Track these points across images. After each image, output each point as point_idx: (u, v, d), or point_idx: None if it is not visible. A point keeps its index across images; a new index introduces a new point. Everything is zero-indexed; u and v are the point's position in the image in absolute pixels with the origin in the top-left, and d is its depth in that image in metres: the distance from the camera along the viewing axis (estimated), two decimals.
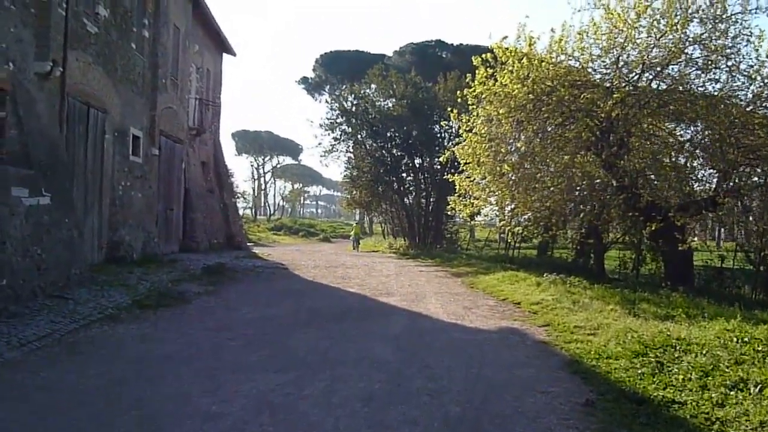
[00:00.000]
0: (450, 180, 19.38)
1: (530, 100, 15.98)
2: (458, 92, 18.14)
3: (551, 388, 6.52)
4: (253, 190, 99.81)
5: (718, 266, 22.10)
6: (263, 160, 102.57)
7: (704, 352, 7.52)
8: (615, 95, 15.21)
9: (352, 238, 41.31)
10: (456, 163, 20.48)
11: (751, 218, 17.51)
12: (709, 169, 17.17)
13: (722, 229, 31.74)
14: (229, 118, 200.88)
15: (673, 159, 16.84)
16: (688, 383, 6.46)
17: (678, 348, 7.81)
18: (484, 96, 17.02)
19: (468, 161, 17.93)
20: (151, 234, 18.75)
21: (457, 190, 19.02)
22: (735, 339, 8.08)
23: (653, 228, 15.58)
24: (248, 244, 32.88)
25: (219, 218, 28.53)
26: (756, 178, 17.55)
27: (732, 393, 6.11)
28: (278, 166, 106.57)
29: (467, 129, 17.83)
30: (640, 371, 7.00)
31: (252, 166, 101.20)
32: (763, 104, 16.07)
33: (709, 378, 6.57)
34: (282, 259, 24.43)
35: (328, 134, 36.39)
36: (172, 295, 12.58)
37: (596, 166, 17.23)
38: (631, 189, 16.33)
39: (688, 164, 16.85)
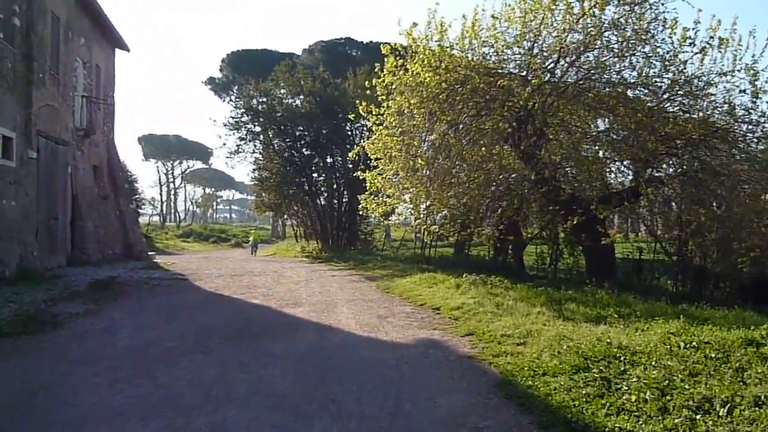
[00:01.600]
0: (361, 177, 18.05)
1: (443, 90, 14.87)
2: (367, 83, 16.82)
3: (484, 421, 5.34)
4: (161, 196, 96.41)
5: (637, 258, 21.78)
6: (172, 164, 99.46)
7: (653, 363, 6.53)
8: (533, 81, 14.30)
9: (250, 244, 42.60)
10: (368, 161, 19.21)
11: (674, 207, 17.03)
12: (628, 159, 16.50)
13: (630, 221, 31.83)
14: (135, 122, 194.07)
15: (592, 150, 16.13)
16: (644, 406, 5.38)
17: (622, 359, 6.79)
18: (394, 87, 15.83)
19: (379, 157, 16.70)
20: (29, 247, 16.65)
21: (368, 188, 17.74)
22: (682, 344, 7.15)
23: (574, 222, 14.76)
24: (150, 253, 30.62)
25: (115, 227, 26.27)
26: (671, 169, 17.13)
27: (698, 417, 5.06)
28: (188, 170, 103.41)
29: (377, 122, 16.59)
30: (584, 391, 5.90)
31: (160, 171, 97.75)
32: (679, 92, 15.52)
33: (667, 397, 5.53)
34: (185, 269, 22.62)
35: (233, 134, 34.53)
36: (43, 318, 10.79)
37: (514, 158, 16.30)
38: (551, 182, 15.50)
39: (606, 155, 16.12)
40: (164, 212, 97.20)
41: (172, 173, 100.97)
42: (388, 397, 6.07)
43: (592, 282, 14.63)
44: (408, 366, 7.45)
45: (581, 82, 15.55)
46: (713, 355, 6.67)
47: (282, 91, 35.38)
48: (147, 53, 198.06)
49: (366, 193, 17.97)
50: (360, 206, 18.92)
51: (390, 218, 19.98)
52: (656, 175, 16.65)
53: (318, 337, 9.49)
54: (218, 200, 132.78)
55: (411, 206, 18.10)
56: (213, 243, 58.57)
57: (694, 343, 7.11)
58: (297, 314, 11.84)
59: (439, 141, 15.55)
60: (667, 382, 5.92)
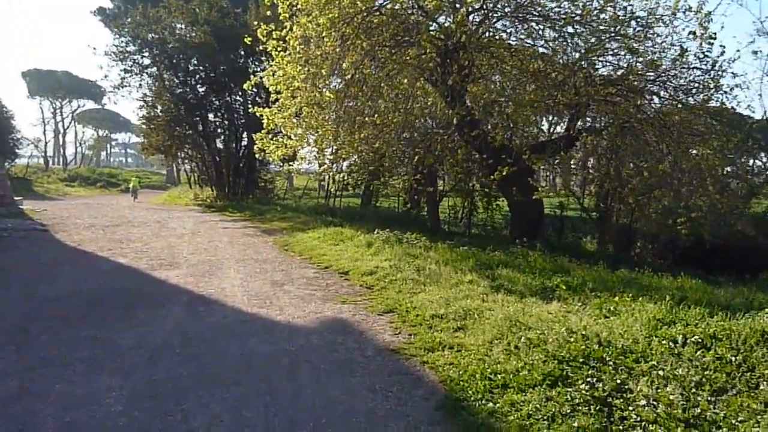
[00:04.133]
0: (258, 114, 15.34)
1: (359, 11, 12.40)
2: (268, 2, 14.00)
3: None
4: (45, 137, 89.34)
5: (559, 215, 20.28)
6: (61, 103, 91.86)
7: (658, 371, 4.58)
8: (467, 2, 11.99)
9: (130, 191, 40.78)
10: (268, 96, 16.49)
11: (604, 161, 15.36)
12: (564, 103, 14.59)
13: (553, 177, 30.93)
14: (21, 55, 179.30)
15: (528, 89, 14.11)
16: None
17: (612, 364, 4.81)
18: (299, 6, 13.22)
19: (279, 90, 14.10)
20: None
21: (265, 126, 15.07)
22: (680, 338, 5.24)
23: (503, 173, 12.75)
24: (17, 198, 26.82)
25: None
26: (610, 119, 15.44)
27: None
28: (78, 110, 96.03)
29: (279, 49, 13.96)
30: (576, 424, 3.88)
31: (46, 109, 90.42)
32: (626, 29, 13.68)
33: None
34: (54, 217, 19.55)
35: (117, 65, 30.57)
36: None
37: (437, 97, 14.08)
38: (481, 125, 13.42)
39: (542, 96, 14.13)
40: (49, 154, 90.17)
41: (61, 112, 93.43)
42: None
43: (522, 241, 12.78)
44: (309, 368, 5.22)
45: (516, 13, 13.45)
46: (731, 358, 4.79)
47: (176, 20, 31.52)
48: None
49: (263, 131, 15.34)
50: (256, 147, 16.25)
51: (291, 163, 17.43)
52: (593, 125, 14.94)
53: (189, 317, 7.09)
54: (112, 143, 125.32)
55: (315, 149, 15.64)
56: (100, 188, 54.39)
57: (697, 338, 5.22)
58: (170, 279, 9.39)
59: (351, 71, 13.03)
60: (691, 406, 3.99)
